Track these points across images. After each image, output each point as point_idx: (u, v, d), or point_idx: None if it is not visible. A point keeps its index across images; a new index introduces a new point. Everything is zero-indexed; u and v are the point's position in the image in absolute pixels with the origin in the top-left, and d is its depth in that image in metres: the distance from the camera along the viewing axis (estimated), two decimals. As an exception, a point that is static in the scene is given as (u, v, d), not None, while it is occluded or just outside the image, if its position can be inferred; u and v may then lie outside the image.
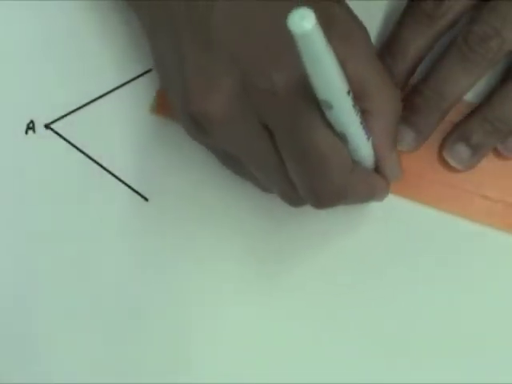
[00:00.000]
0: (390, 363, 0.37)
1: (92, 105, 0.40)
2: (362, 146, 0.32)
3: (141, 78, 0.39)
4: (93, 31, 0.40)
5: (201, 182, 0.39)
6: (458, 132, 0.36)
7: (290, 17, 0.22)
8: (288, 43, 0.23)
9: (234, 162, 0.34)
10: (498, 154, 0.37)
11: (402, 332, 0.37)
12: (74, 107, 0.40)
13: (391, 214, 0.37)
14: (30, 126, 0.40)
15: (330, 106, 0.28)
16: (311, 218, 0.38)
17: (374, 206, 0.37)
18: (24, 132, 0.40)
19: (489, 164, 0.37)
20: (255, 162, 0.33)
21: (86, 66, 0.40)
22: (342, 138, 0.30)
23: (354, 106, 0.29)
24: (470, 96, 0.36)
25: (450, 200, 0.37)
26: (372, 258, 0.37)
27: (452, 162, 0.37)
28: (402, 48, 0.35)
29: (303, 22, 0.22)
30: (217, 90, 0.30)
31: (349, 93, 0.28)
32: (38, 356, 0.38)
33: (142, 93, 0.39)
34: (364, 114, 0.31)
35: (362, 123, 0.30)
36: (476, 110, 0.36)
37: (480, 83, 0.36)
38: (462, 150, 0.36)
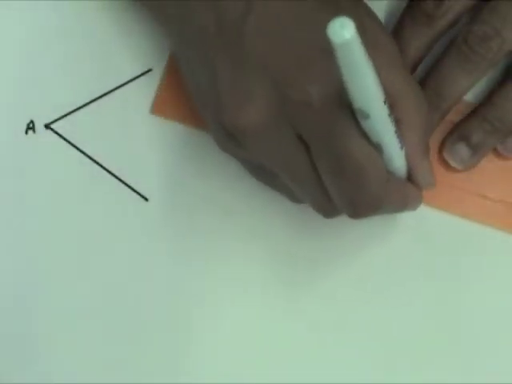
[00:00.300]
0: (397, 365, 0.37)
1: (92, 105, 0.40)
2: (396, 156, 0.32)
3: (141, 78, 0.39)
4: (93, 31, 0.40)
5: (201, 181, 0.39)
6: (457, 132, 0.36)
7: (329, 26, 0.22)
8: (321, 53, 0.23)
9: (266, 174, 0.34)
10: (497, 154, 0.37)
11: (405, 333, 0.37)
12: (74, 107, 0.40)
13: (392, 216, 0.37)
14: (30, 126, 0.40)
15: (367, 116, 0.28)
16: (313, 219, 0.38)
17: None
18: (24, 132, 0.40)
19: (489, 164, 0.37)
20: (290, 174, 0.32)
21: (86, 66, 0.40)
22: (377, 148, 0.30)
23: (390, 115, 0.29)
24: (470, 96, 0.36)
25: (450, 200, 0.37)
26: (375, 260, 0.38)
27: (452, 163, 0.37)
28: (402, 48, 0.35)
29: (343, 31, 0.22)
30: (251, 102, 0.30)
31: (385, 102, 0.28)
32: (37, 356, 0.39)
33: (142, 93, 0.39)
34: (396, 123, 0.31)
35: (396, 132, 0.30)
36: (476, 110, 0.36)
37: (480, 83, 0.36)
38: (462, 150, 0.36)
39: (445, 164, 0.37)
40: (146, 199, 0.39)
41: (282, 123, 0.30)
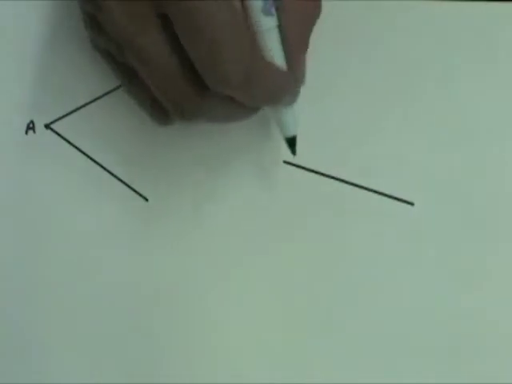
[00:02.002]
0: (397, 365, 0.37)
1: (92, 105, 0.40)
2: (273, 42, 0.33)
3: (141, 78, 0.39)
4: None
5: (201, 182, 0.39)
6: None
7: None
8: None
9: (124, 67, 0.34)
10: None
11: (405, 333, 0.37)
12: (74, 107, 0.40)
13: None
14: (30, 126, 0.40)
15: None
16: (314, 215, 0.38)
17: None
18: (24, 132, 0.40)
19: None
20: (149, 52, 0.32)
21: (86, 65, 0.40)
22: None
23: None
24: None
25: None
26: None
27: None
28: None
29: None
30: None
31: None
32: (37, 356, 0.38)
33: (142, 93, 0.39)
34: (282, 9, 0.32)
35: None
36: None
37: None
38: None
39: None
40: (146, 199, 0.39)
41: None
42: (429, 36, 0.40)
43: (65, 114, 0.40)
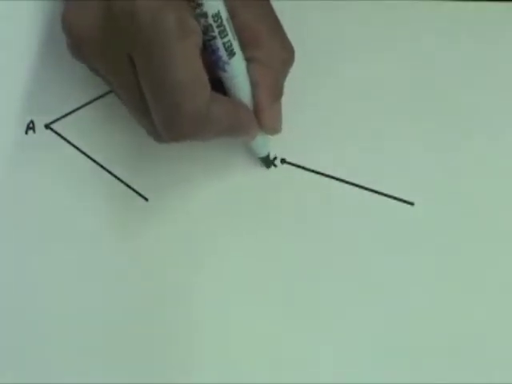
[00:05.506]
0: (397, 365, 0.37)
1: (92, 105, 0.40)
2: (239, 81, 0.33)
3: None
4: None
5: (201, 182, 0.39)
6: None
7: None
8: None
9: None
10: None
11: (405, 333, 0.37)
12: (74, 107, 0.40)
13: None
14: (30, 126, 0.40)
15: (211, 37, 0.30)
16: (319, 220, 0.38)
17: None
18: (24, 132, 0.40)
19: None
20: (122, 91, 0.33)
21: (86, 66, 0.40)
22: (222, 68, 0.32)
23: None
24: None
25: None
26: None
27: None
28: None
29: None
30: (84, 11, 0.31)
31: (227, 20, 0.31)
32: (37, 356, 0.38)
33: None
34: (254, 62, 0.32)
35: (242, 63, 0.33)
36: None
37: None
38: None
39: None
40: (146, 199, 0.39)
41: (114, 36, 0.31)
42: (429, 36, 0.40)
43: (65, 114, 0.40)
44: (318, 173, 0.39)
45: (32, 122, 0.40)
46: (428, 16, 0.40)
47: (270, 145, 0.38)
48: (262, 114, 0.35)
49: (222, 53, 0.32)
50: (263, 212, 0.38)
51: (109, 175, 0.39)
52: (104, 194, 0.39)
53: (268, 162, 0.38)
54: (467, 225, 0.38)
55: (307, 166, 0.39)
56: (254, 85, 0.34)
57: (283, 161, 0.39)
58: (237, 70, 0.33)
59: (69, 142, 0.40)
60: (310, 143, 0.39)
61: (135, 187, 0.39)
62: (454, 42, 0.39)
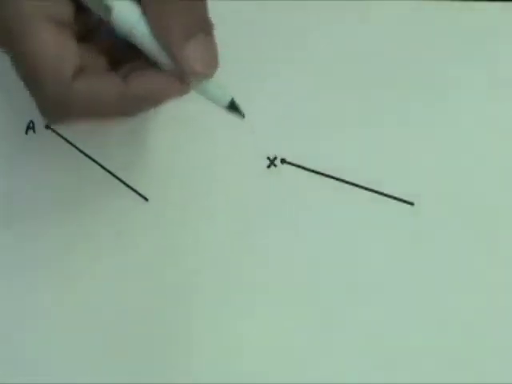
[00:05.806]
0: (397, 365, 0.37)
1: (92, 105, 0.40)
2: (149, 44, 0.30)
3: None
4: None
5: (201, 181, 0.39)
6: None
7: None
8: None
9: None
10: None
11: (405, 333, 0.37)
12: (74, 107, 0.40)
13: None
14: (30, 126, 0.40)
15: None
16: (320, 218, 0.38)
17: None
18: (24, 132, 0.40)
19: None
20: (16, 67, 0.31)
21: None
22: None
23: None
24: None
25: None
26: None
27: None
28: None
29: None
30: None
31: None
32: (37, 356, 0.38)
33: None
34: (149, 3, 0.28)
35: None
36: None
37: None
38: None
39: None
40: (146, 199, 0.39)
41: None
42: (429, 35, 0.40)
43: (65, 114, 0.40)
44: (318, 173, 0.39)
45: (32, 122, 0.40)
46: (428, 16, 0.40)
47: (227, 87, 0.33)
48: (178, 59, 0.29)
49: (99, 12, 0.29)
50: (263, 212, 0.38)
51: (109, 175, 0.39)
52: (104, 194, 0.39)
53: (236, 108, 0.33)
54: (467, 225, 0.38)
55: (307, 166, 0.39)
56: (158, 28, 0.29)
57: (283, 161, 0.39)
58: (125, 22, 0.29)
59: (69, 141, 0.40)
60: (310, 143, 0.39)
61: (135, 187, 0.39)
62: (453, 41, 0.39)
